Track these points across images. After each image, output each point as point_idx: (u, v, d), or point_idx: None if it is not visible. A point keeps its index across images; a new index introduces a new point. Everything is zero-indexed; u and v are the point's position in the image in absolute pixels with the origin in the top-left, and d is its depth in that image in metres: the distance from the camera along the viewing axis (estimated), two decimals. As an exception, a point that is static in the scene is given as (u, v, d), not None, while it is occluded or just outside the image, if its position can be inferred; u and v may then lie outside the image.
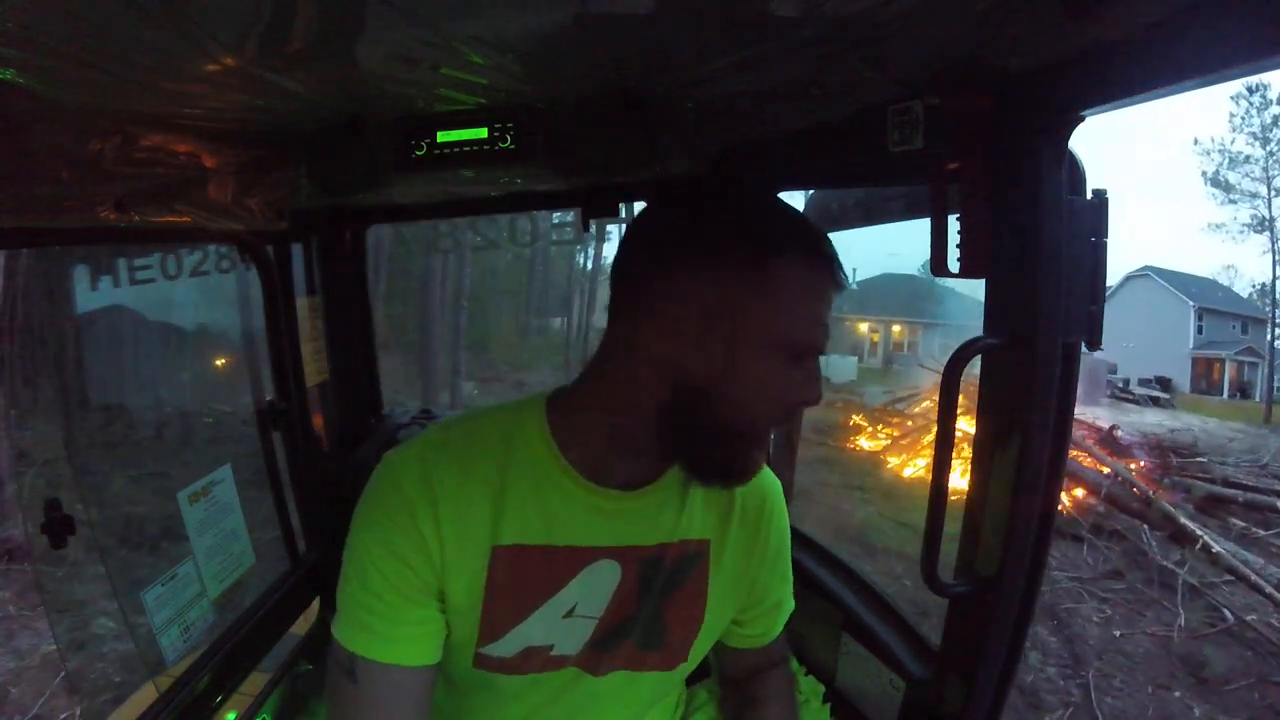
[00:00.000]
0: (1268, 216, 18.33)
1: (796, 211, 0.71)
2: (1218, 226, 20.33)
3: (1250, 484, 7.08)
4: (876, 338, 20.66)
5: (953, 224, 0.75)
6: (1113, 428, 8.30)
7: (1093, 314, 0.70)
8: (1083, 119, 0.65)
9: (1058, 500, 0.78)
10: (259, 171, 1.12)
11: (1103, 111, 0.63)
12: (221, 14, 0.58)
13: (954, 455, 0.77)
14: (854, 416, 10.32)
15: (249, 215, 1.19)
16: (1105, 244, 0.69)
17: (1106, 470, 6.83)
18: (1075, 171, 0.68)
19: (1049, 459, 0.74)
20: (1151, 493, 6.38)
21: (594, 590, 0.72)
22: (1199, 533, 5.69)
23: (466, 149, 1.03)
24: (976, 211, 0.71)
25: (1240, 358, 18.81)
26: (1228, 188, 19.17)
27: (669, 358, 0.64)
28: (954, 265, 0.75)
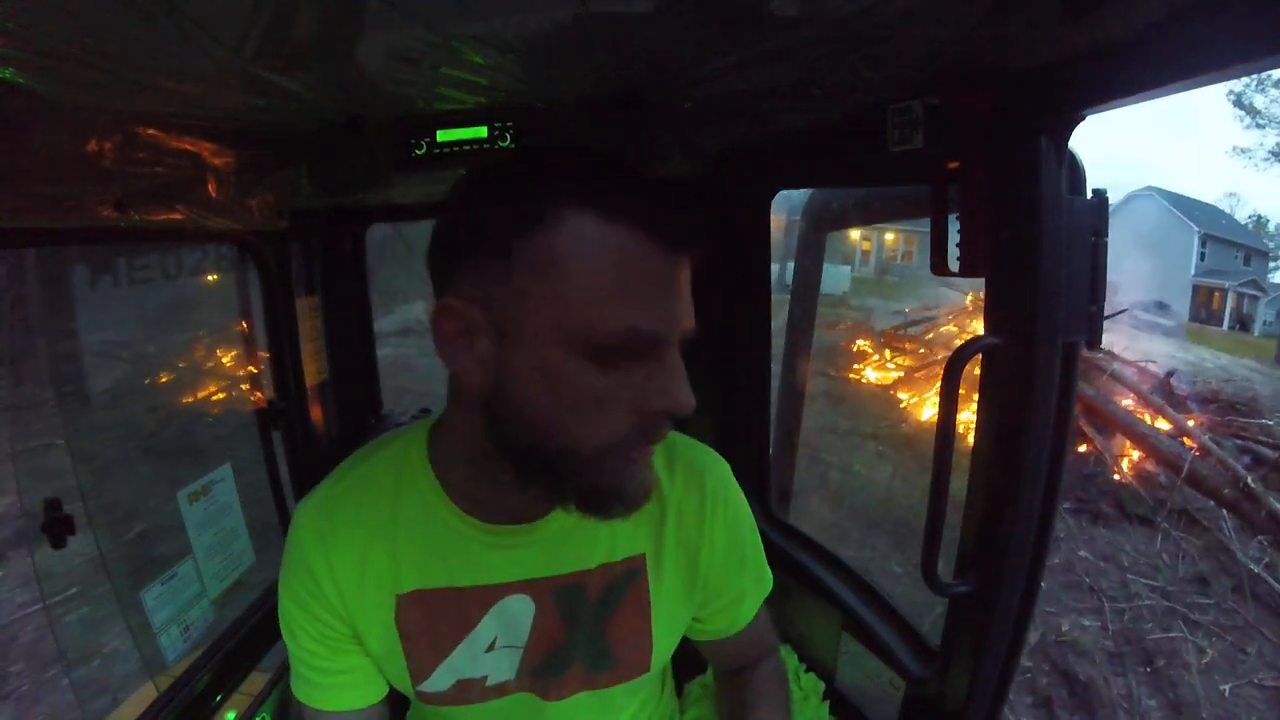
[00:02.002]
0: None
1: (567, 154, 0.55)
2: (1242, 151, 18.84)
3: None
4: (869, 246, 18.81)
5: (953, 224, 0.75)
6: (1169, 374, 6.75)
7: (1093, 314, 0.70)
8: (1083, 119, 0.65)
9: (1058, 500, 0.78)
10: (259, 171, 1.12)
11: (1103, 111, 0.63)
12: (221, 14, 0.58)
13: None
14: (859, 340, 8.06)
15: (249, 215, 1.19)
16: (1105, 244, 0.69)
17: (1167, 428, 5.50)
18: (1075, 171, 0.68)
19: (1049, 459, 0.74)
20: (1250, 478, 4.82)
21: (510, 624, 0.69)
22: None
23: (466, 149, 1.03)
24: (976, 211, 0.71)
25: (1243, 289, 18.20)
26: (1253, 111, 17.20)
27: (464, 380, 0.56)
28: (954, 265, 0.75)
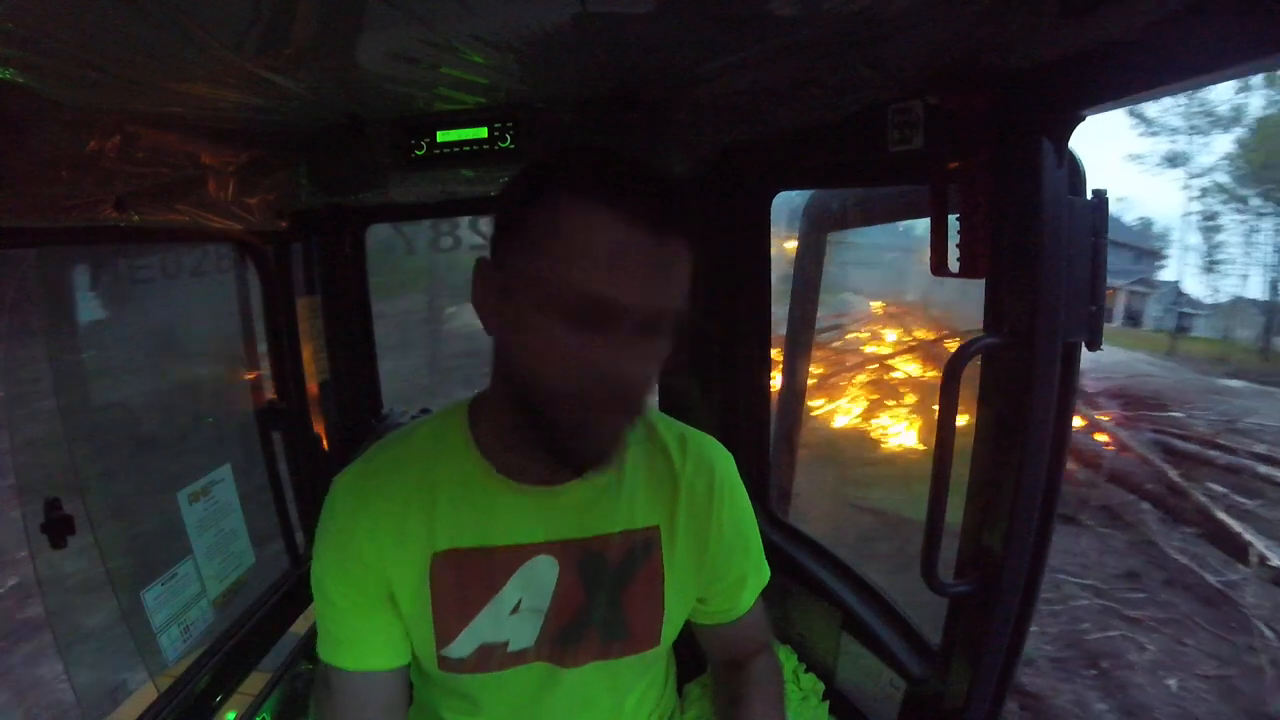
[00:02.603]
0: (1182, 152, 17.73)
1: (582, 149, 0.63)
2: (1136, 157, 20.09)
3: (1227, 444, 5.75)
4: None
5: (953, 224, 0.75)
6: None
7: (1093, 314, 0.70)
8: (1083, 119, 0.65)
9: (1058, 500, 0.78)
10: (259, 171, 1.12)
11: (1103, 111, 0.63)
12: (221, 14, 0.58)
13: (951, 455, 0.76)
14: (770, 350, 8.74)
15: (249, 215, 1.19)
16: (1105, 244, 0.69)
17: (1081, 425, 5.76)
18: (1075, 171, 0.68)
19: (1049, 458, 0.74)
20: (1174, 472, 5.07)
21: (535, 586, 0.73)
22: (1227, 521, 4.49)
23: (466, 149, 1.03)
24: (976, 211, 0.72)
25: (1133, 287, 19.02)
26: (1146, 120, 18.36)
27: (488, 334, 0.65)
28: (954, 265, 0.75)
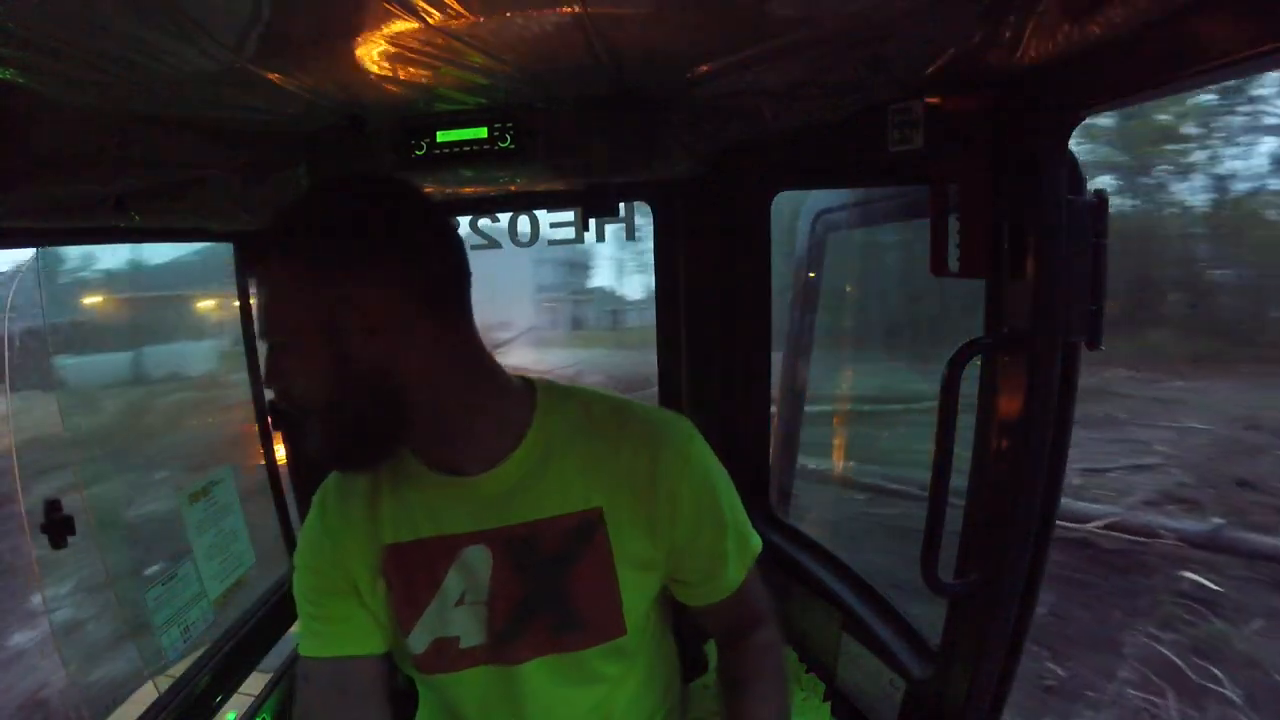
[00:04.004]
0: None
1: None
2: None
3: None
4: (221, 314, 15.38)
5: (953, 224, 0.75)
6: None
7: (1093, 314, 0.70)
8: (1083, 119, 0.65)
9: (1058, 500, 0.78)
10: (259, 171, 1.12)
11: (1103, 111, 0.63)
12: (221, 14, 0.58)
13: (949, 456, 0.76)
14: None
15: (249, 215, 1.19)
16: (1105, 244, 0.69)
17: None
18: (1075, 171, 0.68)
19: (1049, 458, 0.74)
20: None
21: (473, 577, 0.74)
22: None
23: (466, 149, 1.03)
24: (976, 211, 0.72)
25: (575, 297, 20.46)
26: None
27: None
28: (954, 265, 0.76)
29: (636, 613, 0.77)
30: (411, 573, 0.74)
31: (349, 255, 0.63)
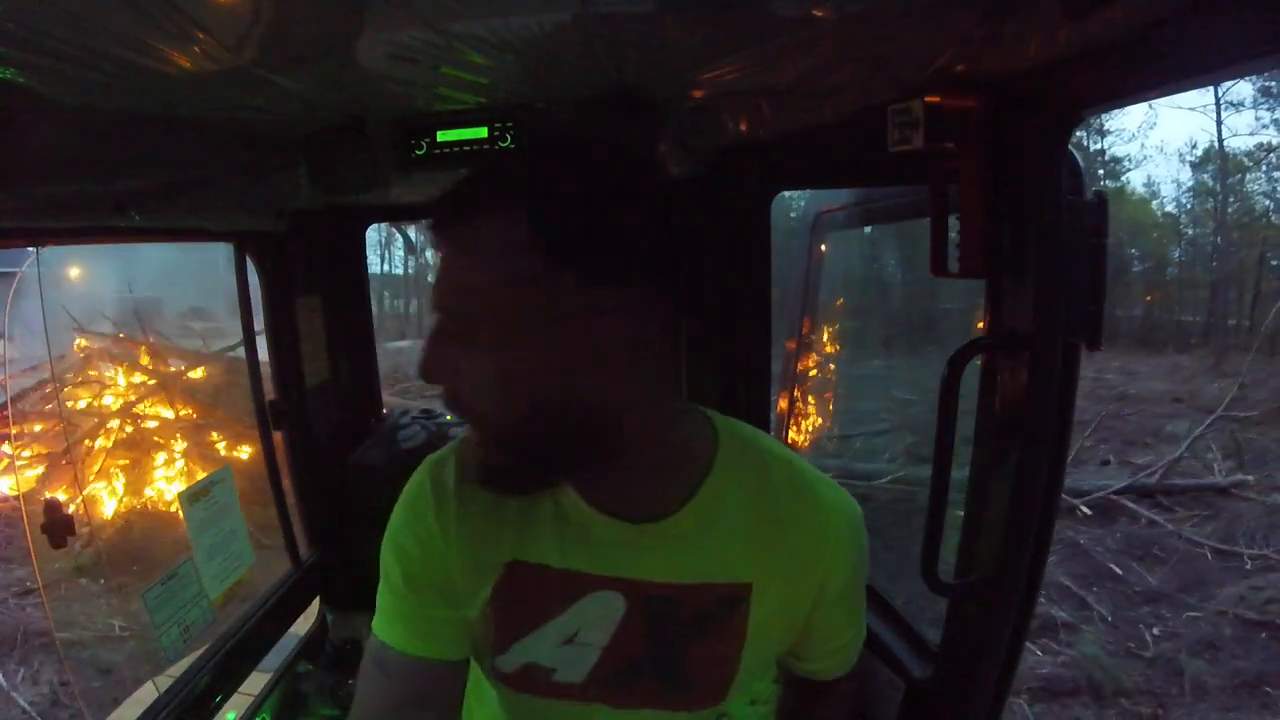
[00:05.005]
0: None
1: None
2: None
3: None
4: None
5: (953, 224, 0.75)
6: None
7: (1093, 314, 0.70)
8: (1083, 119, 0.65)
9: (1058, 499, 0.78)
10: (259, 171, 1.12)
11: (1103, 111, 0.63)
12: (221, 14, 0.58)
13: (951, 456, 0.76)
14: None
15: (249, 215, 1.19)
16: (1105, 244, 0.69)
17: None
18: (1075, 171, 0.68)
19: (1049, 458, 0.74)
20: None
21: (596, 620, 0.67)
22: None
23: (466, 149, 1.03)
24: (976, 212, 0.71)
25: None
26: None
27: None
28: (954, 265, 0.75)
29: (743, 685, 0.72)
30: (523, 594, 0.67)
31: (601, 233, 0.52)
